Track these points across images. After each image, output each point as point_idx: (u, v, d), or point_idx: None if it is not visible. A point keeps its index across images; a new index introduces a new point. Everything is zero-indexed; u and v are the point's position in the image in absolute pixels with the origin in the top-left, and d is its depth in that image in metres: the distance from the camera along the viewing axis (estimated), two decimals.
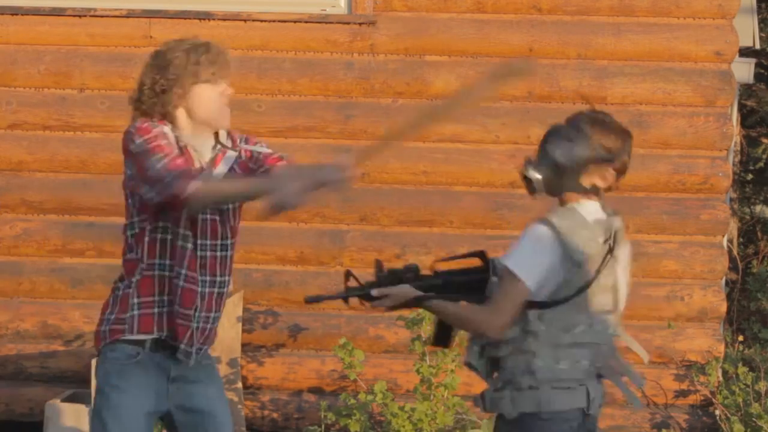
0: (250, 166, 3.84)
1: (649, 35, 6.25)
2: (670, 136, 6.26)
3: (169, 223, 3.72)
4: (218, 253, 3.78)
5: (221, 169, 3.80)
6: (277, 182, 3.51)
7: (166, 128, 3.72)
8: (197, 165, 3.75)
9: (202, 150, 3.81)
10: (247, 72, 6.28)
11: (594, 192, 3.44)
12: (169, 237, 3.72)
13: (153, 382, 3.76)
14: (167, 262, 3.72)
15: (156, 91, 3.74)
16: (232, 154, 3.85)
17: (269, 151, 3.88)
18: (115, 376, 3.73)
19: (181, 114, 3.77)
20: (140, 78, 3.80)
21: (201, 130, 3.81)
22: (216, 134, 3.86)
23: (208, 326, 3.79)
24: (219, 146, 3.84)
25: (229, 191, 3.69)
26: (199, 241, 3.73)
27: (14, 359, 6.40)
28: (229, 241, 3.81)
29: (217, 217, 3.78)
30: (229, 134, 3.89)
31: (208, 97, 3.78)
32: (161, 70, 3.74)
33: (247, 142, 3.89)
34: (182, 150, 3.73)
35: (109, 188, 5.95)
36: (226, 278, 3.83)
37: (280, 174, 3.66)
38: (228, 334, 6.06)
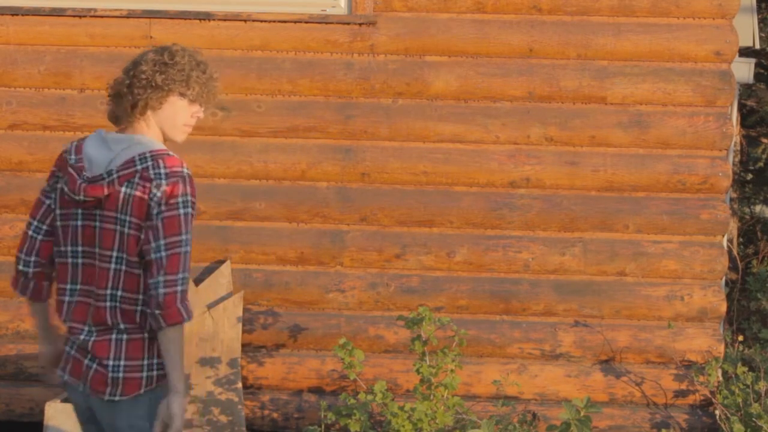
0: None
1: (649, 35, 6.25)
2: (670, 136, 6.27)
3: None
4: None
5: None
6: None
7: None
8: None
9: None
10: (247, 72, 6.28)
11: None
12: None
13: None
14: None
15: (151, 85, 3.62)
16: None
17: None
18: None
19: (149, 116, 3.67)
20: (137, 66, 3.65)
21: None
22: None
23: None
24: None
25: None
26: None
27: (14, 359, 6.40)
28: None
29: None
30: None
31: (182, 110, 3.68)
32: (164, 66, 3.63)
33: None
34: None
35: None
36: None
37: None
38: (228, 334, 6.07)
